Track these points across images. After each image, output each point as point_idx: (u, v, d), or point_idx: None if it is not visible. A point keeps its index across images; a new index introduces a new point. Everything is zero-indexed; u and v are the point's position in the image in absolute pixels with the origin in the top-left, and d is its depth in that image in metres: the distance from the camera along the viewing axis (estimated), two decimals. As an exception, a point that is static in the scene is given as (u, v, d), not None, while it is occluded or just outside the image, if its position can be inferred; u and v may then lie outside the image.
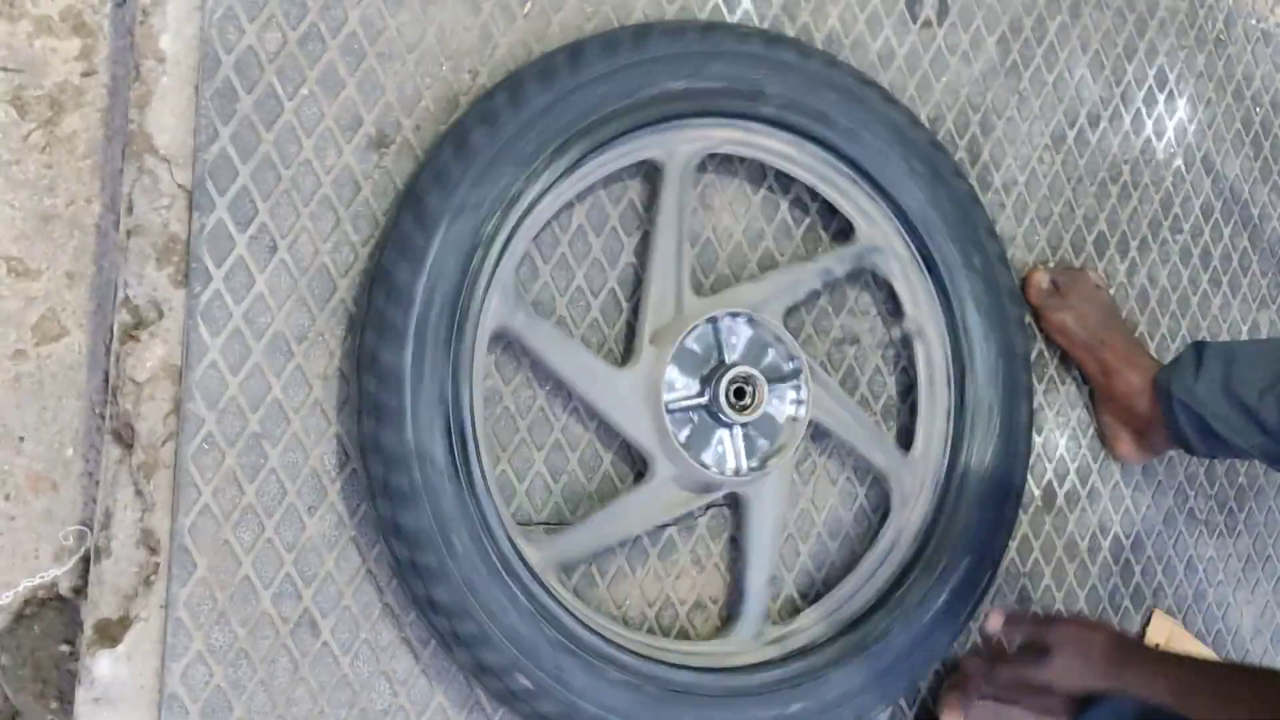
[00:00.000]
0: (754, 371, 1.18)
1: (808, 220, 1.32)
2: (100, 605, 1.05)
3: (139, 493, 1.06)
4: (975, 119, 1.41)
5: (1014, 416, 1.31)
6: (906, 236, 1.28)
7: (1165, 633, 1.48)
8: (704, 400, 1.18)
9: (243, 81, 1.09)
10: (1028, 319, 1.39)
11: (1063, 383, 1.44)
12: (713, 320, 1.18)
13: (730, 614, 1.26)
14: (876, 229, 1.28)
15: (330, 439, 1.11)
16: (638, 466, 1.23)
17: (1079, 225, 1.47)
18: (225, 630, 1.07)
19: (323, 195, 1.11)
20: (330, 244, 1.11)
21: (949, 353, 1.30)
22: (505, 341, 1.17)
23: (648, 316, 1.19)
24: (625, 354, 1.22)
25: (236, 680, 1.07)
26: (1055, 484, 1.43)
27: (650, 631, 1.23)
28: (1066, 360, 1.44)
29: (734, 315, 1.20)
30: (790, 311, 1.28)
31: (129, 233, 1.07)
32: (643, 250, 1.23)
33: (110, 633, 1.05)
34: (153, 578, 1.06)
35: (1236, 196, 1.58)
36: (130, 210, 1.07)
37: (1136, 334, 1.49)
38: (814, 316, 1.32)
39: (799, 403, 1.22)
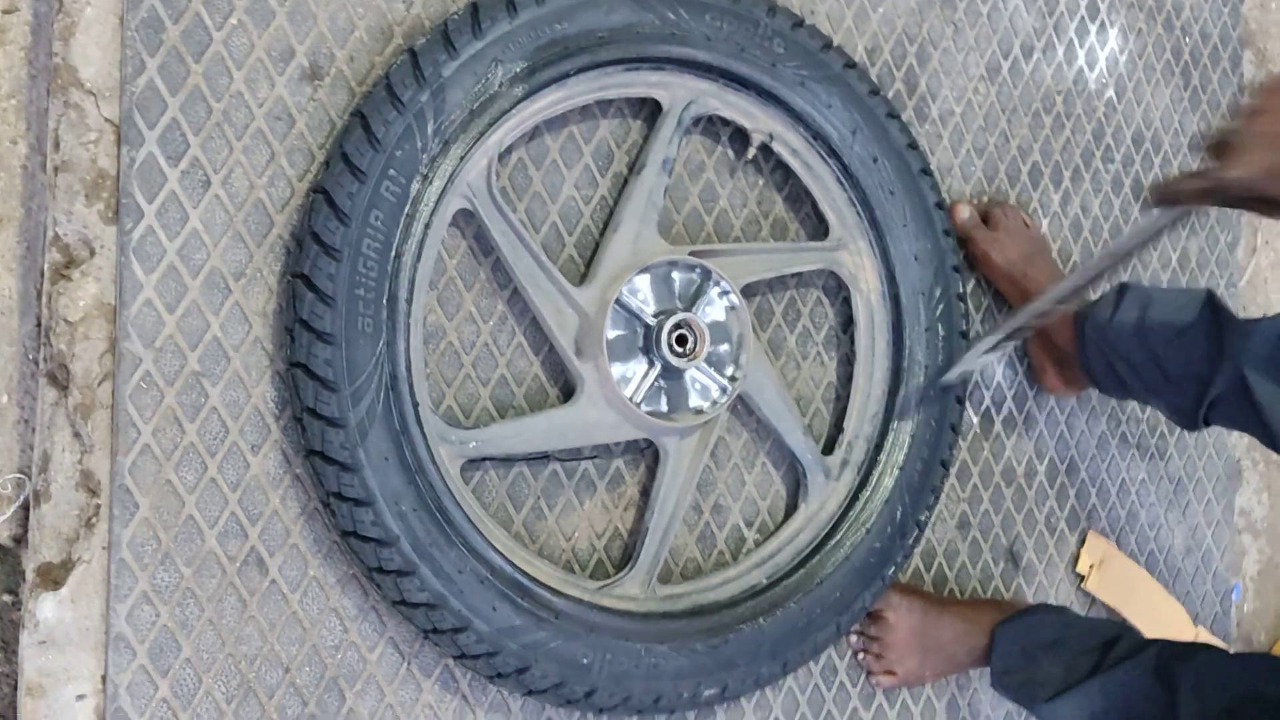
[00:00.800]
0: (681, 315, 1.17)
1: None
2: (41, 549, 1.04)
3: (77, 434, 1.04)
4: (912, 50, 1.42)
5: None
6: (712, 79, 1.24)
7: (1100, 553, 1.52)
8: (658, 369, 1.18)
9: (169, 11, 1.06)
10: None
11: (999, 312, 1.46)
12: (617, 301, 1.16)
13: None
14: (672, 90, 1.22)
15: (272, 376, 1.10)
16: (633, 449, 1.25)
17: (1014, 156, 1.49)
18: (170, 570, 1.06)
19: (256, 128, 1.09)
20: (265, 178, 1.10)
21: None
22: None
23: (559, 338, 1.17)
24: (565, 388, 1.22)
25: (184, 620, 1.06)
26: (993, 411, 1.46)
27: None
28: (1003, 290, 1.46)
29: (626, 283, 1.17)
30: (666, 217, 1.26)
31: (56, 169, 1.04)
32: (510, 295, 1.20)
33: (53, 576, 1.04)
34: (94, 520, 1.05)
35: (1166, 126, 1.60)
36: (57, 146, 1.04)
37: (1069, 264, 1.51)
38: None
39: (725, 292, 1.22)
